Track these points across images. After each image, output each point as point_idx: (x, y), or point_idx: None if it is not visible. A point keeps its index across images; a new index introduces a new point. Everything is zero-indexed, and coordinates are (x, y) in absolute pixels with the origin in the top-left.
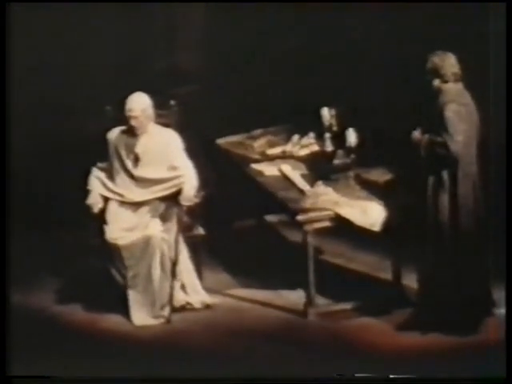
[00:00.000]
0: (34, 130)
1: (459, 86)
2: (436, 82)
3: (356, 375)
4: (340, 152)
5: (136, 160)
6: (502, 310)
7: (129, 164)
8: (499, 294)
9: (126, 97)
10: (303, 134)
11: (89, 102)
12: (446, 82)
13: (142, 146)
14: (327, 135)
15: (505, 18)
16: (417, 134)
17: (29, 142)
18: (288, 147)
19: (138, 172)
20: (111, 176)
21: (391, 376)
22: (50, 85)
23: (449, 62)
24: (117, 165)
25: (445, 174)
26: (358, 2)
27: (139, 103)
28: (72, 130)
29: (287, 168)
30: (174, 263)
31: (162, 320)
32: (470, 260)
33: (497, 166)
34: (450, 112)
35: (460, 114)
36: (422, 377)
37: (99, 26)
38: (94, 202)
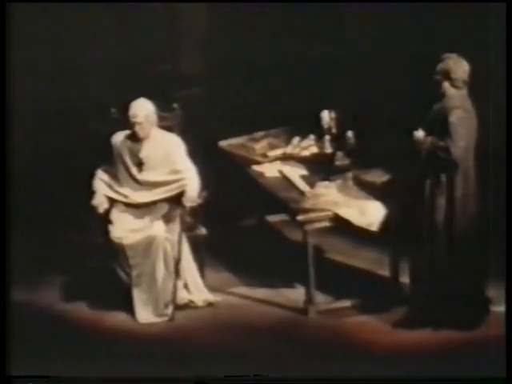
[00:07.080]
0: (36, 130)
1: (463, 91)
2: (444, 84)
3: (355, 375)
4: (339, 154)
5: (140, 165)
6: (501, 308)
7: (133, 169)
8: (499, 292)
9: (128, 99)
10: (303, 136)
11: (90, 103)
12: (453, 86)
13: (145, 151)
14: (327, 137)
15: (505, 18)
16: (419, 134)
17: (31, 142)
18: (288, 149)
19: (142, 176)
20: (116, 178)
21: (390, 376)
22: (50, 85)
23: (462, 69)
24: (121, 169)
25: (443, 177)
26: (358, 2)
27: (142, 109)
28: (74, 131)
29: (288, 169)
30: (177, 262)
31: (165, 318)
32: (467, 260)
33: (497, 165)
34: (455, 118)
35: (464, 120)
36: (421, 376)
37: (100, 27)
38: (99, 202)
